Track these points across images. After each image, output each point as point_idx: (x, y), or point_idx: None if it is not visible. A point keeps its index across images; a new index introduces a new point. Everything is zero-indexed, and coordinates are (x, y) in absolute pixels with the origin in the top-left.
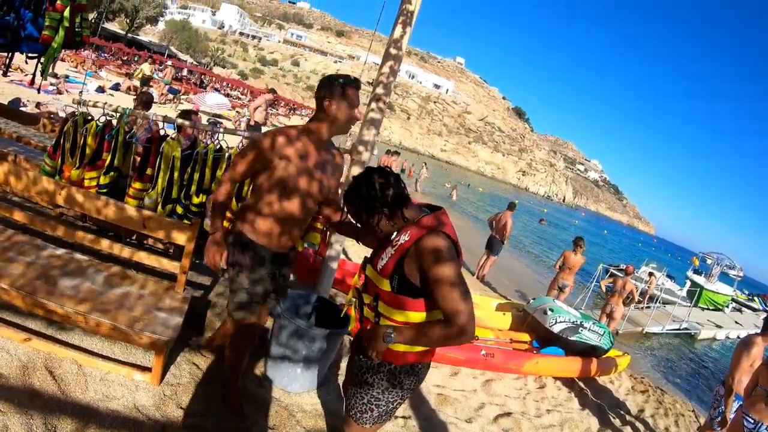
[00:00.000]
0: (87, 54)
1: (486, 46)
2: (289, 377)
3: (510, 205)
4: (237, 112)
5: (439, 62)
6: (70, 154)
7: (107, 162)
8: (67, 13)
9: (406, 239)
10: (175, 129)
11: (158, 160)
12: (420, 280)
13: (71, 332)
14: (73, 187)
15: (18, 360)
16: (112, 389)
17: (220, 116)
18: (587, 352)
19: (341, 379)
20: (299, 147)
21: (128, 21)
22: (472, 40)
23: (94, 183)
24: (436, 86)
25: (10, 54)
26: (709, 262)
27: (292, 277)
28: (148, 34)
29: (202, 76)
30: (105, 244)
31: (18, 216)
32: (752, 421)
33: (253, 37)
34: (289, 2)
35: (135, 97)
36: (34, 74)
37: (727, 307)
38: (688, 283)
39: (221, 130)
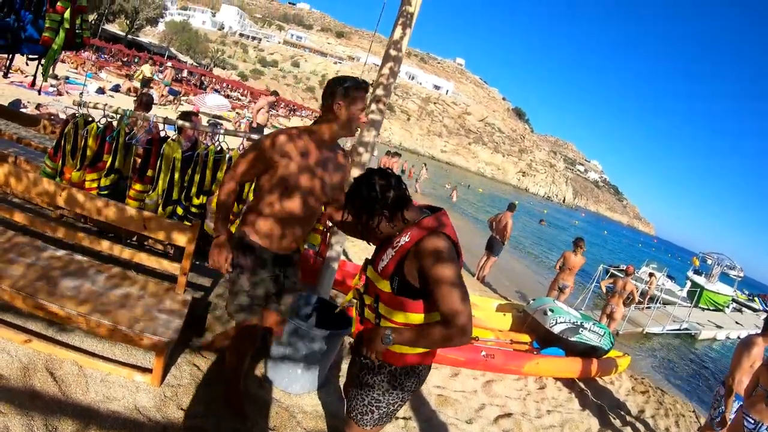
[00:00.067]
0: (87, 55)
1: (486, 47)
2: (289, 378)
3: (510, 205)
4: (237, 113)
5: (439, 63)
6: (71, 156)
7: (108, 164)
8: (67, 14)
9: (407, 240)
10: (175, 130)
11: (159, 161)
12: (419, 281)
13: (72, 333)
14: (74, 188)
15: (19, 361)
16: (113, 390)
17: (220, 117)
18: (587, 352)
19: (342, 380)
20: (300, 145)
21: (128, 22)
22: (472, 41)
23: (95, 185)
24: (436, 87)
25: (10, 55)
26: (709, 262)
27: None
28: (148, 36)
29: (202, 78)
30: (105, 246)
31: (18, 217)
32: (752, 422)
33: (253, 38)
34: (289, 3)
35: (135, 98)
36: (34, 76)
37: (728, 307)
38: (689, 284)
39: (222, 131)
